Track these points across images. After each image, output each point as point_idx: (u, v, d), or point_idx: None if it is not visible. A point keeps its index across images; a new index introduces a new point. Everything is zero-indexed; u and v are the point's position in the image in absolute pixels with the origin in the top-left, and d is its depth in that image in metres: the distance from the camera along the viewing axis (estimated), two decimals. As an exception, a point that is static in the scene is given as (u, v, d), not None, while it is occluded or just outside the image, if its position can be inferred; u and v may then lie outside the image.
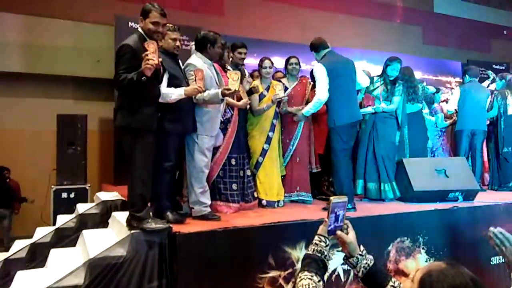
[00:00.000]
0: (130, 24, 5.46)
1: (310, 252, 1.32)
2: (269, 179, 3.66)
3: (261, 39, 7.11)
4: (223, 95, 2.95)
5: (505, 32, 10.67)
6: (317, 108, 3.47)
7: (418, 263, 3.19)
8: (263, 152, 3.66)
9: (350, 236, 1.38)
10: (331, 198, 1.36)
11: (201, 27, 6.25)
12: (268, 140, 3.68)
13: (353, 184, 3.81)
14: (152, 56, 2.35)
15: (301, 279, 1.22)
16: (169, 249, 2.47)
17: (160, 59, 2.46)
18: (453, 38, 9.76)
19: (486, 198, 3.90)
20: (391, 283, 1.34)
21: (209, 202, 3.06)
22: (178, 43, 3.01)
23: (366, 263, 1.36)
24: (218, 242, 2.58)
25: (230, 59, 3.67)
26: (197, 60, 3.08)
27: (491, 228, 1.37)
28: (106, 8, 5.84)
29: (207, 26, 6.32)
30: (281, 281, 2.70)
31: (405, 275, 3.13)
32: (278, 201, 3.65)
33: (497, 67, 9.50)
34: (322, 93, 3.36)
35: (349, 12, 8.19)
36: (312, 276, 1.23)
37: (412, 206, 3.48)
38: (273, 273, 2.69)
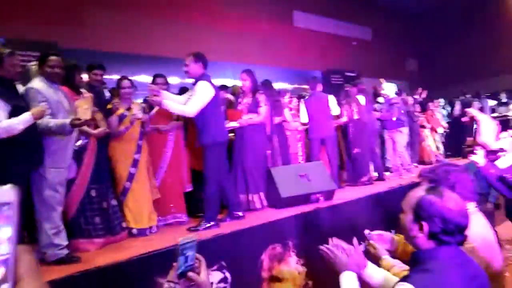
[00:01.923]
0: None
1: None
2: (139, 205, 3.44)
3: (127, 53, 6.80)
4: (73, 125, 2.67)
5: (354, 43, 12.32)
6: (179, 112, 3.45)
7: (290, 266, 3.38)
8: (130, 177, 3.44)
9: (202, 276, 1.32)
10: (179, 239, 1.30)
11: (57, 41, 5.67)
12: (135, 163, 3.48)
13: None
14: None
15: None
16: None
17: None
18: (312, 49, 10.83)
19: (343, 195, 4.37)
20: None
21: (65, 243, 2.73)
22: (18, 69, 2.62)
23: None
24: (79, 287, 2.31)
25: (84, 80, 3.38)
26: (39, 83, 2.73)
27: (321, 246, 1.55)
28: None
29: (64, 39, 5.78)
30: (154, 315, 2.55)
31: (279, 280, 3.29)
32: (151, 227, 3.47)
33: (350, 74, 10.88)
34: (193, 109, 3.34)
35: (216, 26, 8.39)
36: None
37: (281, 212, 3.68)
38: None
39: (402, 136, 5.79)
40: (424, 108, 7.73)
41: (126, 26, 6.93)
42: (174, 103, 3.39)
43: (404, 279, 1.21)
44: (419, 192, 1.28)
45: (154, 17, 7.35)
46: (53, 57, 2.78)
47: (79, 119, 2.69)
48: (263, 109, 4.12)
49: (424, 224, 1.22)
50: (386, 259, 1.72)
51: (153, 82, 3.70)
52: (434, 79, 12.62)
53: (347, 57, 11.60)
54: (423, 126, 7.32)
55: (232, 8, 8.82)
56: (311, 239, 3.60)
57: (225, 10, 8.68)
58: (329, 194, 4.08)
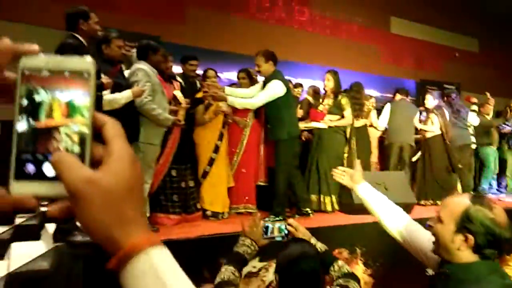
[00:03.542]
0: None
1: (240, 251, 1.55)
2: (216, 190, 3.64)
3: (222, 50, 7.16)
4: (173, 123, 3.09)
5: (456, 54, 11.34)
6: (241, 107, 3.53)
7: (356, 274, 3.26)
8: (211, 161, 3.65)
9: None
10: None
11: (160, 35, 6.25)
12: (216, 150, 3.68)
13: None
14: None
15: (226, 270, 1.46)
16: (96, 263, 2.40)
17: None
18: (408, 58, 10.24)
19: (424, 211, 4.06)
20: (335, 264, 1.60)
21: (147, 215, 3.01)
22: (123, 51, 2.99)
23: (319, 248, 1.62)
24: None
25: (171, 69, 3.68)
26: (145, 65, 3.05)
27: None
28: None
29: (166, 34, 6.34)
30: (215, 294, 2.68)
31: (343, 287, 3.19)
32: (223, 213, 3.63)
33: (448, 86, 10.05)
34: (259, 102, 3.48)
35: (309, 29, 8.41)
36: (235, 271, 1.46)
37: (352, 218, 3.57)
38: (207, 286, 2.66)
39: None
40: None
41: (223, 25, 7.31)
42: (237, 99, 3.51)
43: None
44: (464, 201, 1.17)
45: (248, 18, 7.64)
46: (162, 49, 3.20)
47: (180, 121, 3.18)
48: (348, 112, 4.08)
49: (470, 236, 1.12)
50: None
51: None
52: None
53: (447, 69, 10.73)
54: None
55: (327, 11, 8.76)
56: (381, 250, 3.43)
57: (320, 13, 8.66)
58: (407, 208, 3.81)
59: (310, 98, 4.49)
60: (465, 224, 1.13)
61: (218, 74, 4.15)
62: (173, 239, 2.67)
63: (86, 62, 0.40)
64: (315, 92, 4.51)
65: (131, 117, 2.90)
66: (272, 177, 4.01)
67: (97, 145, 0.41)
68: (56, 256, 2.29)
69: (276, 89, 3.45)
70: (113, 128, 0.42)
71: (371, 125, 4.75)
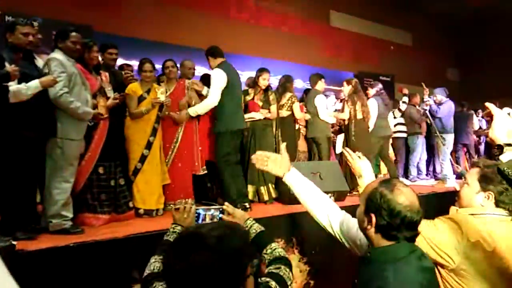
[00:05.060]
0: None
1: (171, 240, 1.51)
2: (149, 187, 3.49)
3: (162, 42, 6.92)
4: (95, 118, 2.96)
5: (392, 47, 11.92)
6: (204, 111, 3.65)
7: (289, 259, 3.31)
8: (143, 158, 3.48)
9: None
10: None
11: (92, 25, 5.88)
12: (149, 146, 3.52)
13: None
14: None
15: (155, 261, 1.44)
16: (11, 271, 2.19)
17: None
18: (347, 51, 10.59)
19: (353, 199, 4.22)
20: (268, 247, 1.50)
21: (71, 215, 2.81)
22: (31, 38, 2.72)
23: (255, 229, 1.58)
24: (73, 258, 2.36)
25: (99, 59, 3.46)
26: (60, 55, 2.82)
27: None
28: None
29: (100, 24, 5.99)
30: (146, 294, 2.58)
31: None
32: (157, 210, 3.51)
33: (384, 78, 10.56)
34: (214, 98, 3.54)
35: (251, 21, 8.38)
36: None
37: (289, 208, 3.61)
38: (137, 287, 2.55)
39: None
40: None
41: (159, 16, 7.05)
42: (197, 106, 3.65)
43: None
44: (374, 185, 1.27)
45: (190, 9, 7.44)
46: (75, 33, 2.88)
47: (102, 114, 3.03)
48: (274, 107, 4.24)
49: (372, 216, 1.20)
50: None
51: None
52: (475, 91, 12.00)
53: (383, 61, 11.26)
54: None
55: (268, 4, 8.77)
56: (317, 238, 3.51)
57: (261, 6, 8.65)
58: (341, 195, 3.96)
59: (250, 90, 4.51)
60: (368, 204, 1.22)
61: (157, 66, 3.98)
62: (97, 240, 2.52)
63: None
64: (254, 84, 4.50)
65: (46, 111, 2.68)
66: (211, 170, 3.97)
67: None
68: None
69: (218, 77, 3.52)
70: None
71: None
